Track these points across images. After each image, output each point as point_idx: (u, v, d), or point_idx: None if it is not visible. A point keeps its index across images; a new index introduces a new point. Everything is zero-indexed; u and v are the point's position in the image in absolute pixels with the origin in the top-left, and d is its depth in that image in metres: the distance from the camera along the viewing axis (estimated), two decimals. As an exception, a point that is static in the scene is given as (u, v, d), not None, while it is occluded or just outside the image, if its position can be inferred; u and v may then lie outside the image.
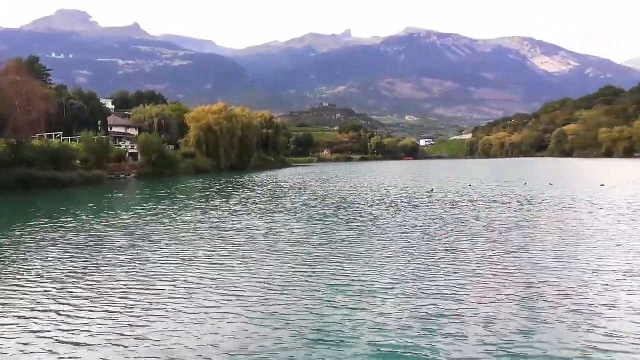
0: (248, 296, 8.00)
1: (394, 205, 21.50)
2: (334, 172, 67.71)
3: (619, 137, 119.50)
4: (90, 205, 25.21)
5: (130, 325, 6.73)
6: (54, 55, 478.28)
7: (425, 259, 10.43)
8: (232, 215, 18.42)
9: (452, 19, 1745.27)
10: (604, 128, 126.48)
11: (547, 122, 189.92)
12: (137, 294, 8.22)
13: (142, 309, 7.44)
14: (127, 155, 60.15)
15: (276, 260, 10.62)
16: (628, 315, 6.78)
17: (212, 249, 12.02)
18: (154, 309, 7.41)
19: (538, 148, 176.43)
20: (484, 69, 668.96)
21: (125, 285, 8.78)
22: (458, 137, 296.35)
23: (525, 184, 33.47)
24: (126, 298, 7.98)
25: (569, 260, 9.98)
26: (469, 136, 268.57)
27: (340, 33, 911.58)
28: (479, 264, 9.85)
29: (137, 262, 10.68)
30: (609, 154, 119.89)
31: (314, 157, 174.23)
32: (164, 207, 22.34)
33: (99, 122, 64.24)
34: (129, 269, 10.04)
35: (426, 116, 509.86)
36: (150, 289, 8.47)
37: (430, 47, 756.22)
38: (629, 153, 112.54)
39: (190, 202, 25.17)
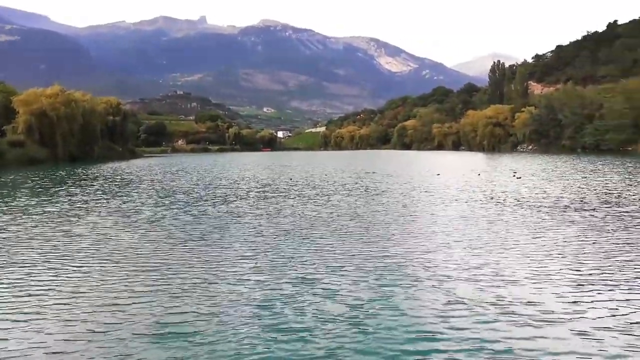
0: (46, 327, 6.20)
1: (247, 198, 20.46)
2: (188, 163, 64.10)
3: (448, 132, 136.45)
4: None
5: None
6: None
7: (275, 257, 9.56)
8: (40, 220, 15.34)
9: (306, 14, 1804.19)
10: (436, 124, 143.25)
11: (390, 118, 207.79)
12: None
13: None
14: None
15: (84, 279, 8.77)
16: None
17: None
18: None
19: (383, 141, 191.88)
20: (336, 65, 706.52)
21: None
22: (313, 130, 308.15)
23: (374, 172, 36.01)
24: None
25: (411, 241, 10.09)
26: (323, 129, 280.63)
27: (195, 19, 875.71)
28: (330, 256, 9.32)
29: None
30: (440, 147, 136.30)
31: (167, 147, 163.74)
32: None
33: None
34: None
35: (283, 108, 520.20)
36: None
37: (286, 41, 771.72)
38: (456, 146, 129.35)
39: None
